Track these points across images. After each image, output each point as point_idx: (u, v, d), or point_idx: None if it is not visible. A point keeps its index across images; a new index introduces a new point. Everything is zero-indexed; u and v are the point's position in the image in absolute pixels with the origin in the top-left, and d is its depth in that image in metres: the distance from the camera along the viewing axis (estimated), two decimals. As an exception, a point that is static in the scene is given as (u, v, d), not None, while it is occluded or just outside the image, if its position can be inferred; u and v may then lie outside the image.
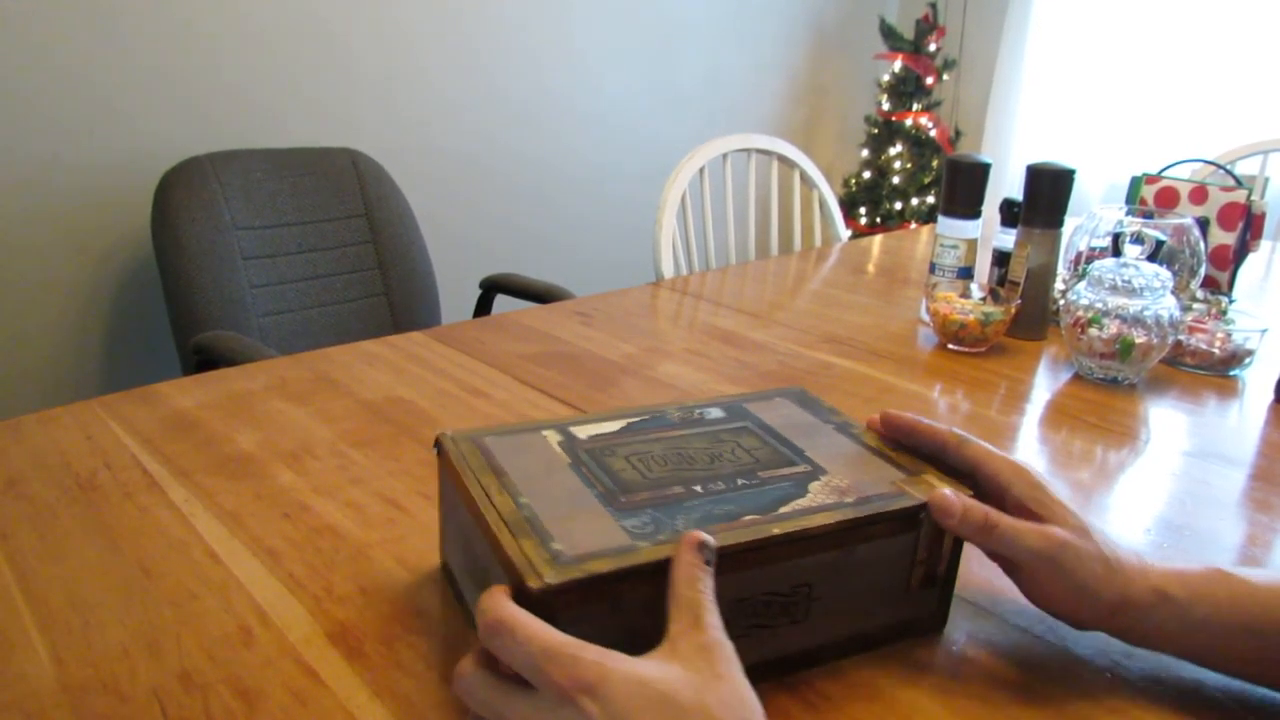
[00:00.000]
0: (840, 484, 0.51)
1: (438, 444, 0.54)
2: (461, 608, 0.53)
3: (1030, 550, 0.48)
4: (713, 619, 0.39)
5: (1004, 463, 0.51)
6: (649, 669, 0.36)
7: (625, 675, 0.35)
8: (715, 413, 0.60)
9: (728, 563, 0.44)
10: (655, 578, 0.42)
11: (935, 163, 3.05)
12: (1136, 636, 0.49)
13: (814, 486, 0.50)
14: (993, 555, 0.51)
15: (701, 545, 0.42)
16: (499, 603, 0.38)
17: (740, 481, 0.50)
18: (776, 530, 0.46)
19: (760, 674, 0.42)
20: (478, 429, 0.56)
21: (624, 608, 0.42)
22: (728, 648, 0.38)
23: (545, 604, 0.39)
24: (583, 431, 0.55)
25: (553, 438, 0.55)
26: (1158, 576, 0.48)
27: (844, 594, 0.49)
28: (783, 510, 0.47)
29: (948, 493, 0.49)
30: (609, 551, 0.43)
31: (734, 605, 0.45)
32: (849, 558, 0.48)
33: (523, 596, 0.40)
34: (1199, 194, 1.24)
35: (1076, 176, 1.07)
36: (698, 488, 0.49)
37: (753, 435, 0.57)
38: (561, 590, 0.40)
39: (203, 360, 1.41)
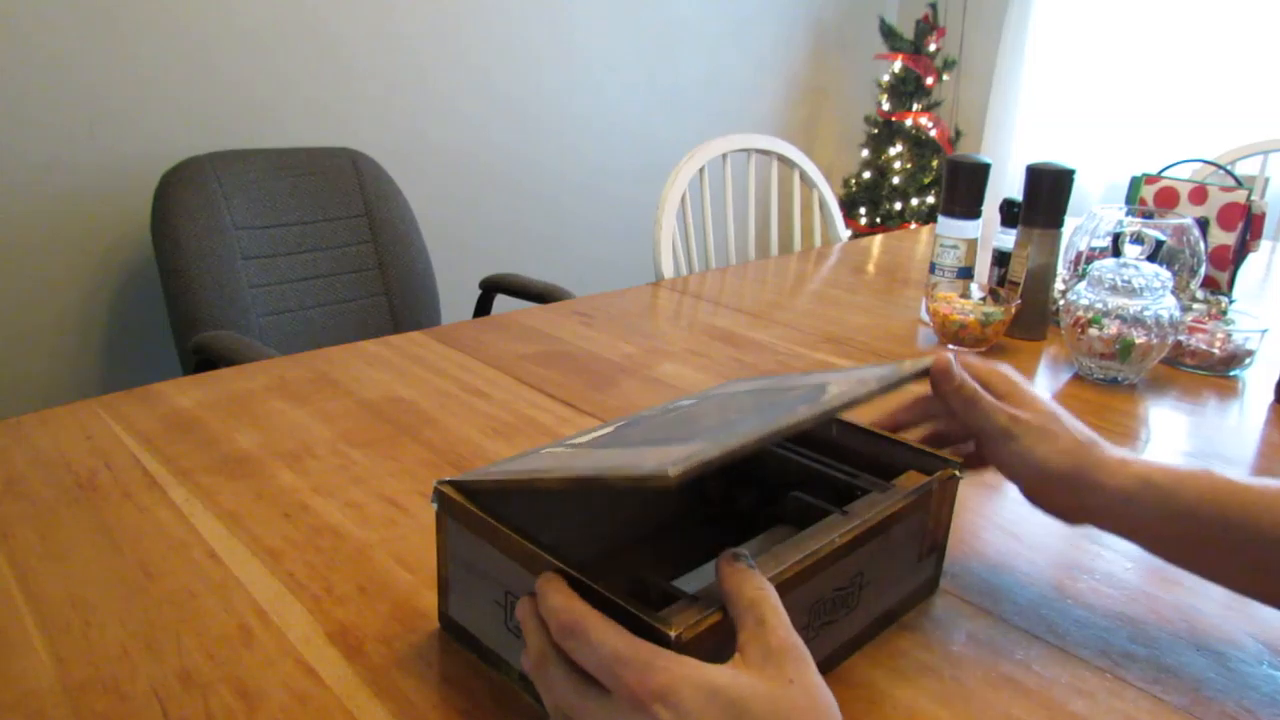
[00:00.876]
0: (849, 380, 0.52)
1: (437, 494, 0.49)
2: (486, 661, 0.49)
3: (998, 427, 0.53)
4: (776, 618, 0.38)
5: (986, 369, 0.57)
6: (721, 677, 0.35)
7: (696, 683, 0.34)
8: (686, 402, 0.62)
9: (811, 570, 0.45)
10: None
11: (935, 163, 3.05)
12: (1122, 526, 0.52)
13: (830, 388, 0.50)
14: (980, 444, 0.57)
15: (735, 556, 0.41)
16: (570, 602, 0.38)
17: (764, 401, 0.51)
18: (843, 530, 0.48)
19: (826, 668, 0.47)
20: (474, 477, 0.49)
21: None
22: (797, 649, 0.37)
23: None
24: (579, 440, 0.55)
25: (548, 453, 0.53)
26: (1141, 466, 0.51)
27: (882, 574, 0.52)
28: (822, 399, 0.46)
29: (951, 358, 0.54)
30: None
31: (812, 608, 0.47)
32: (887, 540, 0.51)
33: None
34: (1199, 194, 1.24)
35: (1076, 176, 1.07)
36: (733, 416, 0.48)
37: (740, 397, 0.57)
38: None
39: (202, 360, 1.41)
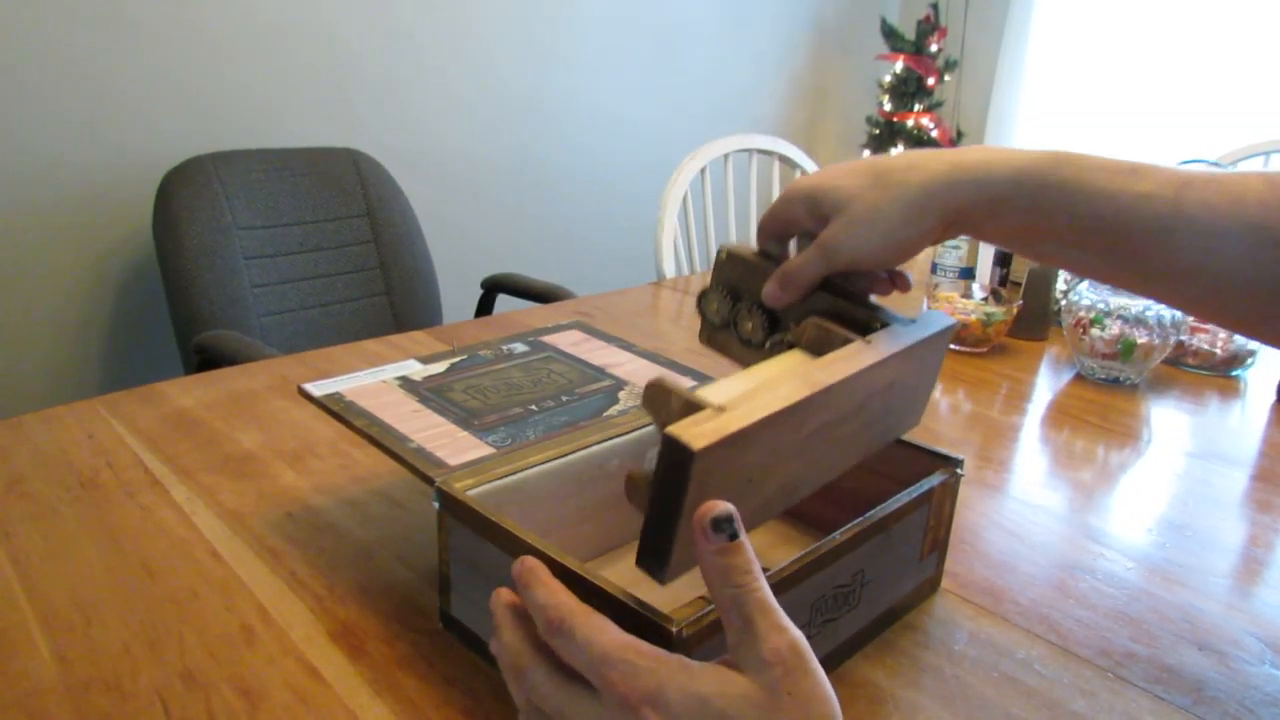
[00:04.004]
0: (639, 390, 0.63)
1: (439, 494, 0.50)
2: (488, 660, 0.49)
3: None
4: (765, 621, 0.33)
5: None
6: (708, 685, 0.33)
7: (686, 690, 0.32)
8: (520, 347, 0.69)
9: (810, 567, 0.45)
10: None
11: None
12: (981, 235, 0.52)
13: (621, 395, 0.63)
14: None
15: (716, 523, 0.34)
16: (556, 597, 0.37)
17: (564, 398, 0.62)
18: (846, 528, 0.48)
19: (830, 665, 0.48)
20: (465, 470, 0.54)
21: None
22: (794, 652, 0.33)
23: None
24: (416, 375, 0.64)
25: (393, 383, 0.62)
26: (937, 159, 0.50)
27: (883, 572, 0.52)
28: (605, 415, 0.60)
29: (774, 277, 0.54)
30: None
31: (812, 607, 0.47)
32: (888, 538, 0.51)
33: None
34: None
35: (1078, 177, 1.07)
36: (533, 406, 0.60)
37: (558, 361, 0.68)
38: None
39: (204, 360, 1.41)
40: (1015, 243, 0.51)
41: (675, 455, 0.36)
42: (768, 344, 0.55)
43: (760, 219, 0.57)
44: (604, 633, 0.35)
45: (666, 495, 0.37)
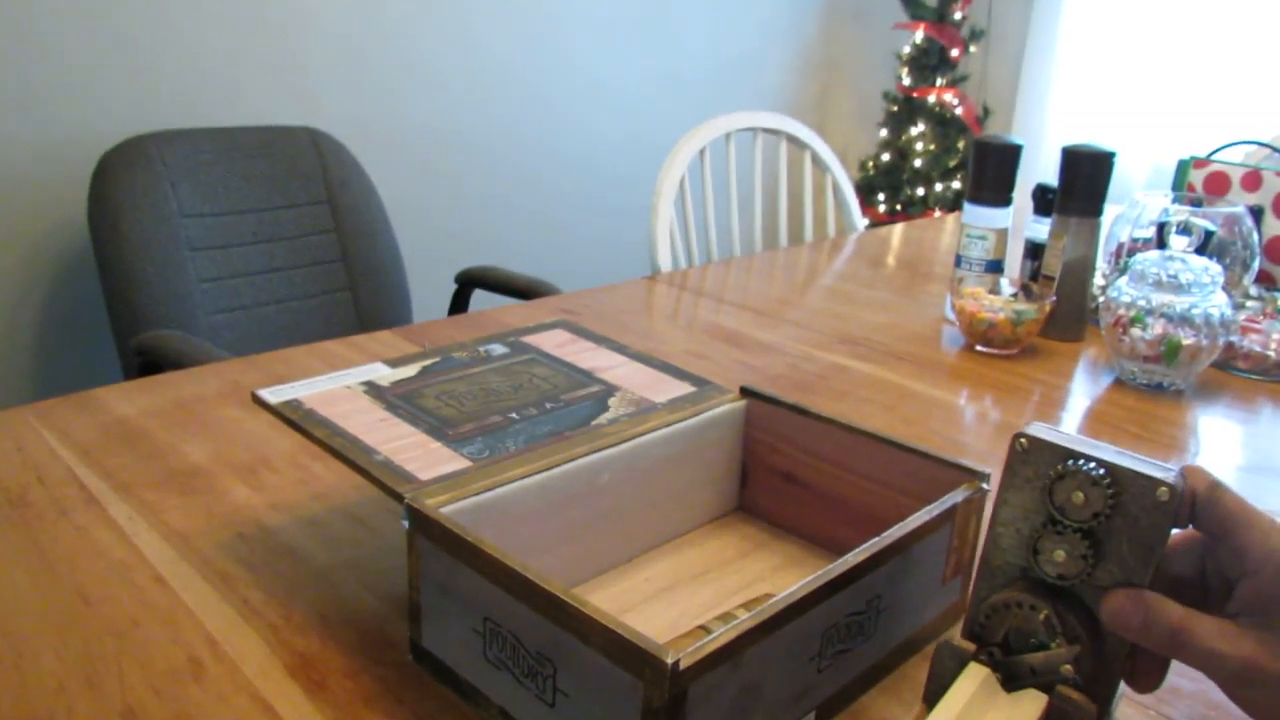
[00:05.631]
0: (631, 397, 0.64)
1: (409, 511, 0.50)
2: (464, 697, 0.49)
3: (1232, 671, 0.41)
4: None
5: (1260, 534, 0.43)
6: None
7: None
8: (498, 348, 0.70)
9: (821, 593, 0.45)
10: None
11: (961, 144, 3.06)
12: None
13: (611, 401, 0.63)
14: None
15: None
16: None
17: (548, 405, 0.62)
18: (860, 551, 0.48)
19: (843, 699, 0.49)
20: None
21: None
22: None
23: None
24: (383, 380, 0.64)
25: (357, 388, 0.63)
26: None
27: (901, 599, 0.52)
28: (594, 423, 0.60)
29: (1124, 595, 0.44)
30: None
31: (822, 636, 0.47)
32: (906, 560, 0.51)
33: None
34: (1252, 180, 1.25)
35: (1117, 160, 1.08)
36: (513, 414, 0.60)
37: (541, 365, 0.68)
38: None
39: (146, 363, 1.40)
40: None
41: None
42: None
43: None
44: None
45: None
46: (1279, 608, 0.41)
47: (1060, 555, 0.45)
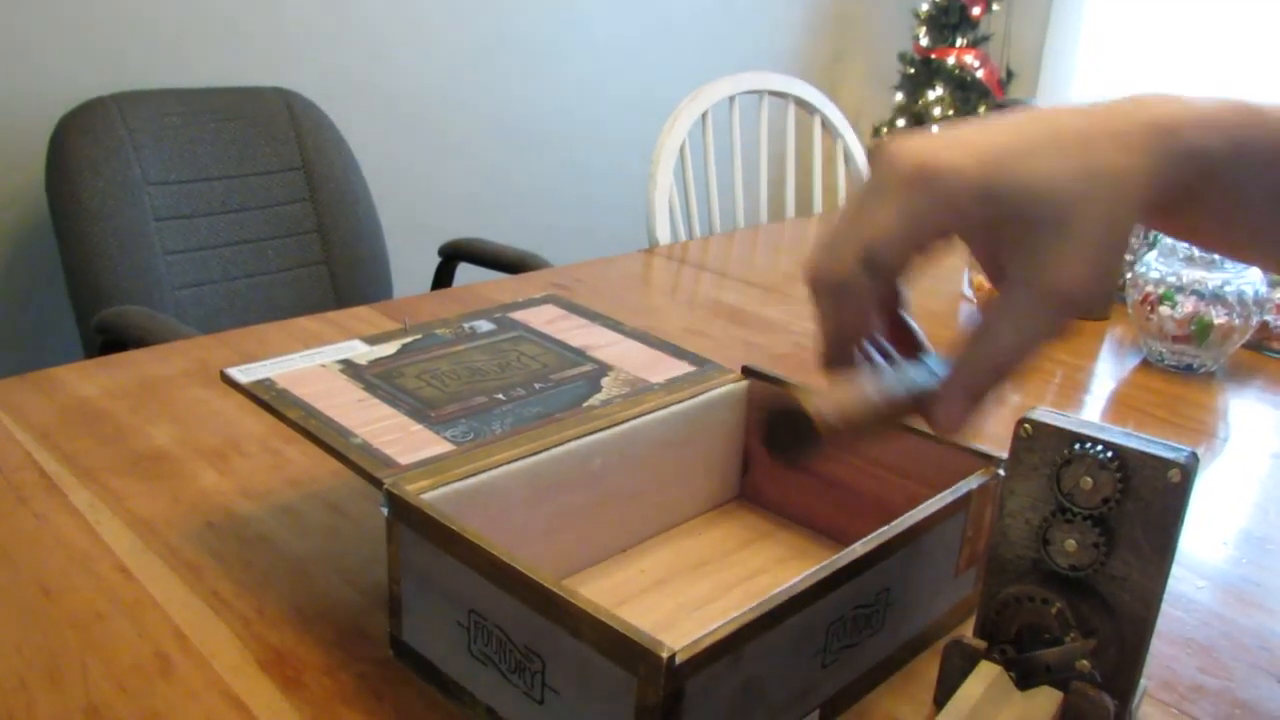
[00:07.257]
0: (626, 377, 0.64)
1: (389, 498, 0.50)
2: (447, 693, 0.50)
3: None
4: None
5: None
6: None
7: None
8: (484, 325, 0.70)
9: (827, 584, 0.46)
10: None
11: (982, 109, 3.05)
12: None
13: (604, 381, 0.64)
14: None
15: None
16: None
17: (537, 385, 0.62)
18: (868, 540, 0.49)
19: (849, 697, 0.50)
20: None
21: None
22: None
23: None
24: (361, 358, 0.64)
25: (333, 367, 0.62)
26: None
27: (911, 591, 0.53)
28: (585, 405, 0.60)
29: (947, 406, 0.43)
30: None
31: (828, 631, 0.47)
32: (917, 550, 0.52)
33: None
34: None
35: (1147, 126, 1.08)
36: (500, 395, 0.60)
37: (530, 343, 0.68)
38: None
39: (109, 341, 1.40)
40: (1200, 233, 0.45)
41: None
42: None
43: (868, 239, 0.43)
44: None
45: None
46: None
47: (1071, 545, 0.45)
